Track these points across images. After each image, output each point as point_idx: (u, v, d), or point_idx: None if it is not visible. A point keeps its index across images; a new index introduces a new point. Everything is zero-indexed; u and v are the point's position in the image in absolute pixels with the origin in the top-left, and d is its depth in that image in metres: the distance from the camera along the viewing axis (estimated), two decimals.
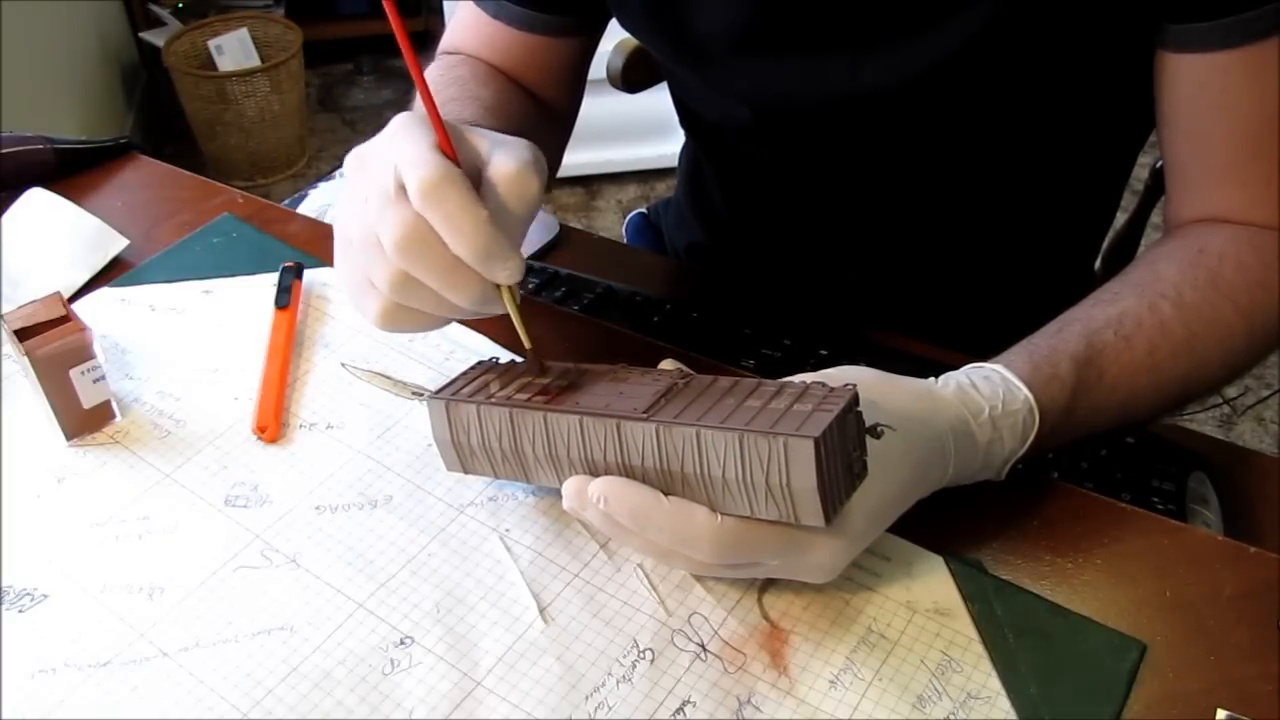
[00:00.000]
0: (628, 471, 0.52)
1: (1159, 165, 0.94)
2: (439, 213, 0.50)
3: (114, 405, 0.66)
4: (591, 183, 2.52)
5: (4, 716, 0.51)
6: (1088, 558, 0.57)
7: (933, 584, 0.56)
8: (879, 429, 0.50)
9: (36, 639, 0.54)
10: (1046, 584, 0.56)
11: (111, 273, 0.78)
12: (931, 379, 0.58)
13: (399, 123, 0.54)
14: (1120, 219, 1.00)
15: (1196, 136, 0.66)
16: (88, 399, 0.64)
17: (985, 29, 0.65)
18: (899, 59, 0.68)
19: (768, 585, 0.56)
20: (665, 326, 0.80)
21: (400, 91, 2.86)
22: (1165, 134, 0.69)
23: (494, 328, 0.71)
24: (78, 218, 0.80)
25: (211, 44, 2.47)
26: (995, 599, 0.55)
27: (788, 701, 0.51)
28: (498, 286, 0.53)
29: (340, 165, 0.58)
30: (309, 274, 0.76)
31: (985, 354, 0.60)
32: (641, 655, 0.53)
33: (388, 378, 0.69)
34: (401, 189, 0.51)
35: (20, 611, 0.56)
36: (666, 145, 2.32)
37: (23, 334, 0.62)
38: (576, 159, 2.38)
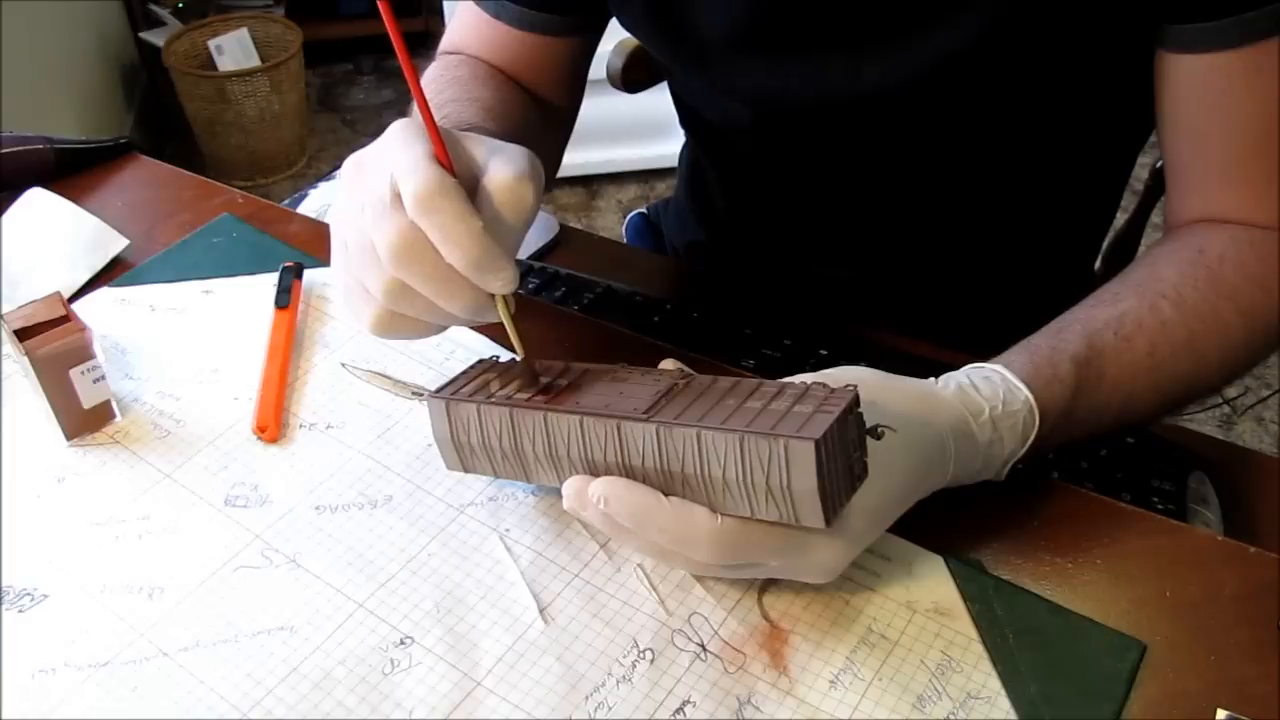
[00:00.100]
0: (628, 472, 0.52)
1: (1159, 165, 0.94)
2: (433, 222, 0.50)
3: (114, 405, 0.66)
4: (591, 183, 2.52)
5: (4, 716, 0.51)
6: (1088, 558, 0.57)
7: (933, 584, 0.56)
8: (879, 430, 0.50)
9: (36, 639, 0.54)
10: (1046, 584, 0.56)
11: (111, 273, 0.78)
12: (932, 379, 0.58)
13: (396, 130, 0.54)
14: (1120, 219, 1.00)
15: (1196, 136, 0.66)
16: (88, 399, 0.64)
17: (986, 29, 0.65)
18: (899, 59, 0.68)
19: (768, 585, 0.56)
20: (665, 326, 0.80)
21: (400, 91, 2.86)
22: (1165, 134, 0.69)
23: (494, 328, 0.70)
24: (78, 218, 0.80)
25: (211, 44, 2.47)
26: (995, 599, 0.55)
27: (788, 701, 0.51)
28: (492, 295, 0.53)
29: (340, 165, 0.58)
30: (309, 274, 0.76)
31: (985, 354, 0.60)
32: (641, 655, 0.53)
33: (388, 378, 0.69)
34: (397, 198, 0.51)
35: (20, 611, 0.56)
36: (666, 145, 2.32)
37: (23, 334, 0.62)
38: (576, 159, 2.38)
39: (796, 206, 0.86)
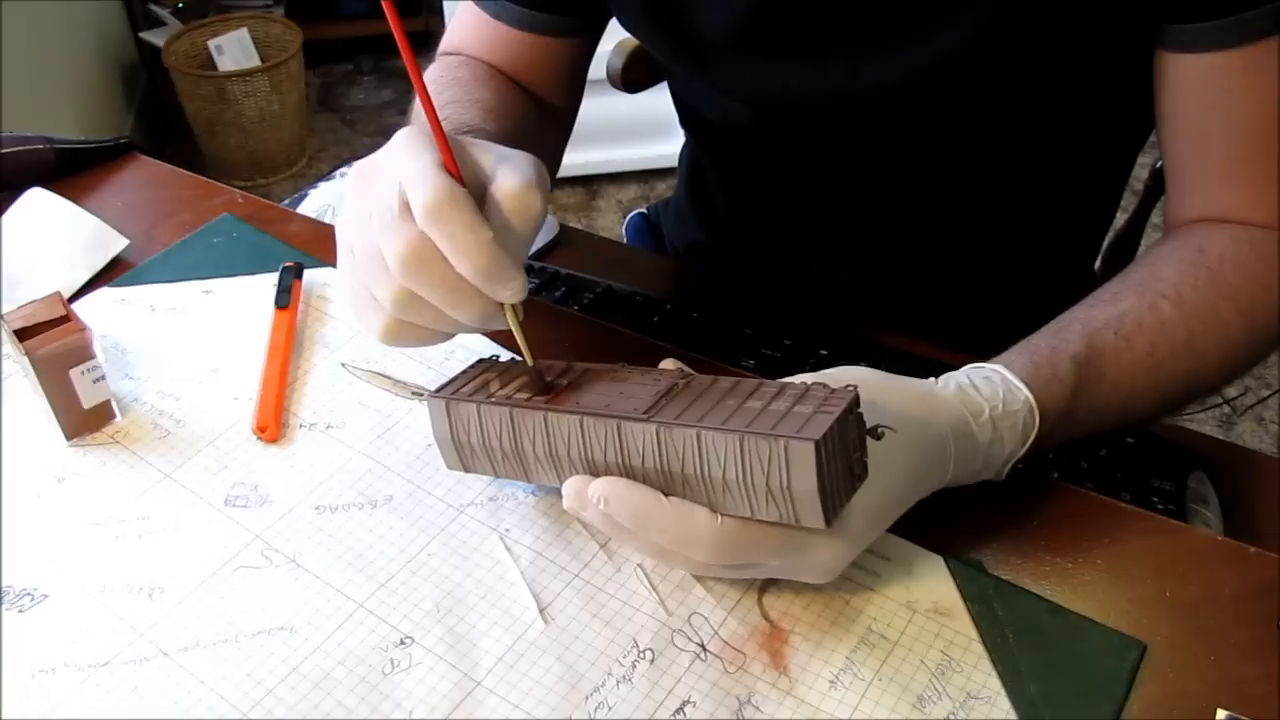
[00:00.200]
0: (628, 472, 0.52)
1: (1159, 165, 0.94)
2: (443, 232, 0.50)
3: (114, 405, 0.66)
4: (591, 183, 2.52)
5: (4, 716, 0.51)
6: (1088, 558, 0.57)
7: (933, 584, 0.56)
8: (879, 430, 0.50)
9: (36, 639, 0.54)
10: (1046, 584, 0.56)
11: (111, 273, 0.78)
12: (932, 379, 0.58)
13: (403, 138, 0.54)
14: (1120, 219, 1.00)
15: (1196, 136, 0.66)
16: (88, 399, 0.64)
17: (985, 29, 0.65)
18: (899, 59, 0.68)
19: (768, 585, 0.56)
20: (665, 326, 0.80)
21: (400, 91, 2.86)
22: (1165, 134, 0.69)
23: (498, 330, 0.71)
24: (78, 218, 0.80)
25: (211, 44, 2.47)
26: (995, 599, 0.55)
27: (788, 701, 0.51)
28: (501, 304, 0.53)
29: (340, 165, 0.59)
30: (309, 274, 0.76)
31: (985, 354, 0.60)
32: (641, 655, 0.53)
33: (388, 378, 0.69)
34: (406, 207, 0.51)
35: (20, 611, 0.56)
36: (666, 145, 2.32)
37: (23, 334, 0.62)
38: (576, 159, 2.38)
39: (797, 206, 0.86)
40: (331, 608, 0.56)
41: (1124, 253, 1.09)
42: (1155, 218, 0.94)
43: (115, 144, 0.91)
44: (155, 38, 2.54)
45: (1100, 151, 0.81)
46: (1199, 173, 0.68)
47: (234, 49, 2.48)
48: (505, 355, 0.69)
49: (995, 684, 0.51)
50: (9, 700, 0.52)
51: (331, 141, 2.70)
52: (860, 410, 0.49)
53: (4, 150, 0.84)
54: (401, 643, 0.54)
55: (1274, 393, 1.92)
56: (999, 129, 0.73)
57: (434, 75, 0.80)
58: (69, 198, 0.82)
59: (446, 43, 0.86)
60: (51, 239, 0.79)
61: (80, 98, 2.27)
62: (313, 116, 2.75)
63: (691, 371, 0.55)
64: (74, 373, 0.63)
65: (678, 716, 0.50)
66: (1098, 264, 1.01)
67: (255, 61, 2.49)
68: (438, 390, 0.58)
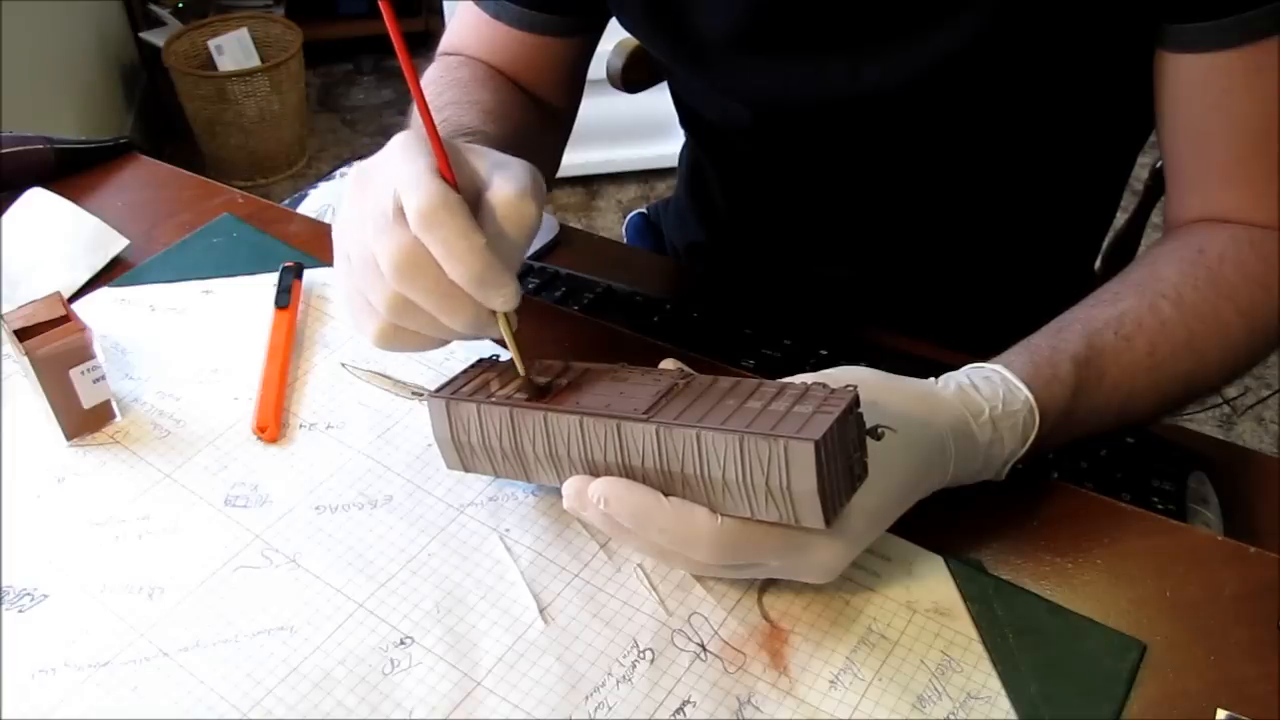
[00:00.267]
0: (628, 472, 0.52)
1: (1159, 165, 0.94)
2: (436, 238, 0.50)
3: (114, 405, 0.66)
4: (591, 183, 2.52)
5: (4, 716, 0.51)
6: (1088, 558, 0.57)
7: (933, 584, 0.56)
8: (879, 430, 0.50)
9: (36, 639, 0.54)
10: (1046, 584, 0.56)
11: (111, 273, 0.78)
12: (932, 379, 0.58)
13: (399, 143, 0.54)
14: (1120, 219, 1.00)
15: (1196, 136, 0.66)
16: (88, 399, 0.64)
17: (985, 29, 0.65)
18: (899, 59, 0.68)
19: (768, 585, 0.56)
20: (665, 326, 0.80)
21: (400, 91, 2.86)
22: (1165, 134, 0.69)
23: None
24: (78, 218, 0.80)
25: (211, 44, 2.47)
26: (995, 599, 0.55)
27: (788, 701, 0.51)
28: (494, 311, 0.53)
29: (340, 165, 0.59)
30: (309, 274, 0.76)
31: (985, 354, 0.60)
32: (641, 655, 0.53)
33: (388, 378, 0.69)
34: (400, 212, 0.51)
35: (20, 611, 0.56)
36: (666, 145, 2.32)
37: (23, 334, 0.62)
38: (576, 159, 2.38)
39: (797, 206, 0.86)
40: (331, 608, 0.56)
41: (1124, 253, 1.09)
42: (1155, 218, 0.94)
43: (115, 144, 0.91)
44: (155, 38, 2.54)
45: (1100, 151, 0.81)
46: (1199, 173, 0.68)
47: (234, 49, 2.48)
48: (505, 355, 0.69)
49: (995, 684, 0.51)
50: (9, 700, 0.52)
51: (331, 141, 2.70)
52: (860, 410, 0.49)
53: (4, 150, 0.84)
54: (401, 643, 0.54)
55: (1274, 393, 1.92)
56: (999, 129, 0.73)
57: (433, 76, 0.80)
58: (69, 198, 0.82)
59: (446, 43, 0.86)
60: (51, 239, 0.79)
61: (80, 98, 2.27)
62: (313, 116, 2.75)
63: (691, 371, 0.55)
64: (74, 373, 0.63)
65: (678, 716, 0.50)
66: (1098, 264, 1.01)
67: (255, 61, 2.49)
68: (438, 390, 0.58)
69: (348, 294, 0.57)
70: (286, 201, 1.06)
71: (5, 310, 0.65)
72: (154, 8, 2.63)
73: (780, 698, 0.51)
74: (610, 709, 0.51)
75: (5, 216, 0.80)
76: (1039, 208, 0.82)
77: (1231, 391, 1.90)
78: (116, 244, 0.79)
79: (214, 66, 2.46)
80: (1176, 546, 0.58)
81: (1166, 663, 0.52)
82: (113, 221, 0.80)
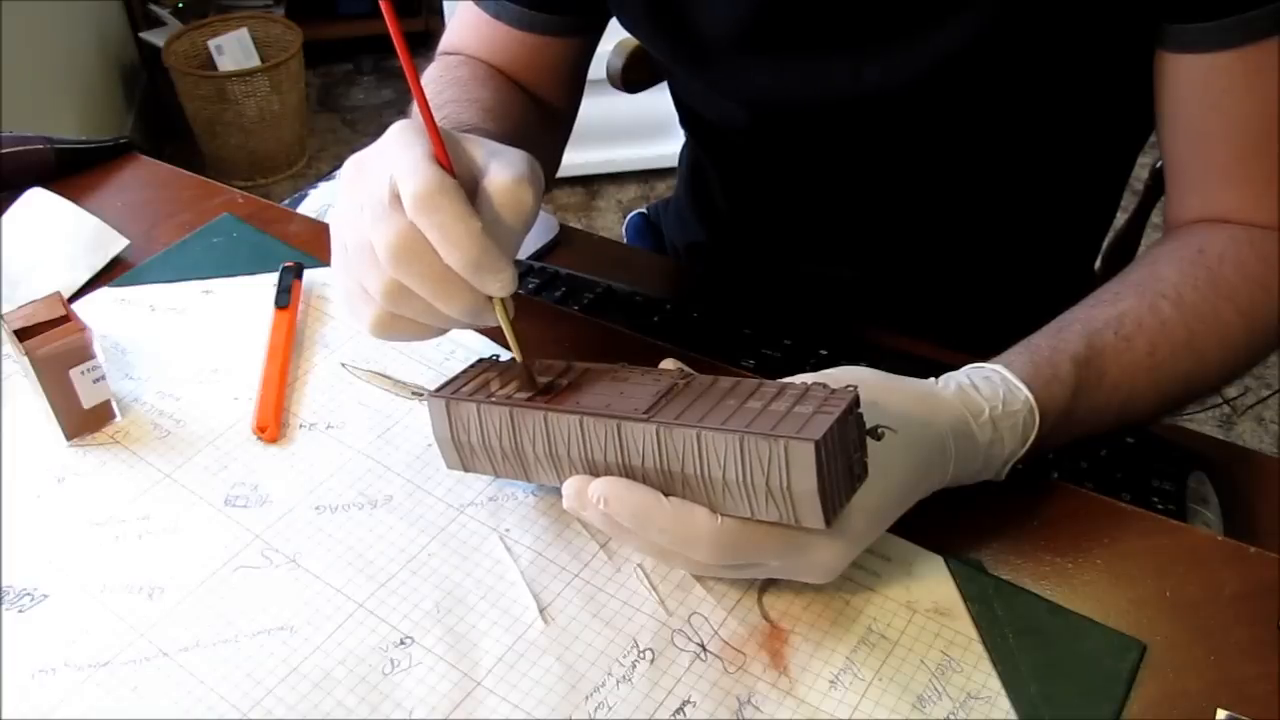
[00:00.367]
0: (628, 472, 0.52)
1: (1159, 165, 0.94)
2: (432, 222, 0.50)
3: (114, 405, 0.66)
4: (591, 183, 2.52)
5: (4, 716, 0.51)
6: (1088, 558, 0.57)
7: (933, 584, 0.56)
8: (880, 430, 0.50)
9: (36, 639, 0.54)
10: (1046, 584, 0.56)
11: (111, 273, 0.78)
12: (932, 379, 0.58)
13: (396, 131, 0.54)
14: (1120, 219, 1.00)
15: (1196, 136, 0.66)
16: (88, 399, 0.64)
17: (986, 29, 0.65)
18: (901, 59, 0.68)
19: (768, 585, 0.56)
20: (665, 326, 0.80)
21: (400, 91, 2.86)
22: (1165, 134, 0.69)
23: (494, 328, 0.71)
24: (78, 218, 0.80)
25: (211, 44, 2.47)
26: (995, 599, 0.55)
27: (788, 701, 0.51)
28: (490, 298, 0.53)
29: (340, 165, 0.58)
30: (309, 274, 0.76)
31: (985, 354, 0.60)
32: (641, 655, 0.53)
33: (388, 378, 0.69)
34: (396, 198, 0.51)
35: (20, 611, 0.56)
36: (666, 145, 2.32)
37: (23, 334, 0.62)
38: (576, 159, 2.38)
39: (797, 206, 0.86)
40: (331, 608, 0.56)
41: (1124, 253, 1.09)
42: (1155, 218, 0.94)
43: (115, 144, 0.91)
44: (155, 38, 2.54)
45: (1100, 152, 0.81)
46: (1199, 173, 0.68)
47: (234, 49, 2.48)
48: (505, 355, 0.69)
49: (995, 684, 0.51)
50: (9, 700, 0.52)
51: (331, 141, 2.70)
52: (860, 410, 0.49)
53: (4, 150, 0.84)
54: (401, 643, 0.54)
55: (1274, 393, 1.92)
56: (1000, 129, 0.73)
57: (433, 75, 0.80)
58: (69, 198, 0.82)
59: (446, 42, 0.86)
60: (51, 239, 0.79)
61: (80, 98, 2.27)
62: (313, 116, 2.75)
63: (692, 371, 0.55)
64: (74, 373, 0.63)
65: (678, 716, 0.50)
66: (1098, 264, 1.01)
67: (255, 61, 2.49)
68: (438, 390, 0.58)
69: (345, 284, 0.56)
70: (286, 201, 1.06)
71: (5, 310, 0.65)
72: (154, 8, 2.63)
73: (780, 698, 0.51)
74: (610, 709, 0.51)
75: (5, 216, 0.80)
76: (1039, 207, 0.82)
77: (1231, 391, 1.90)
78: (116, 244, 0.79)
79: (214, 66, 2.46)
80: (1176, 546, 0.58)
81: (1166, 663, 0.52)
82: (113, 221, 0.80)
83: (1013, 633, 0.53)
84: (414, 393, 0.68)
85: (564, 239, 0.97)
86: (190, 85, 2.42)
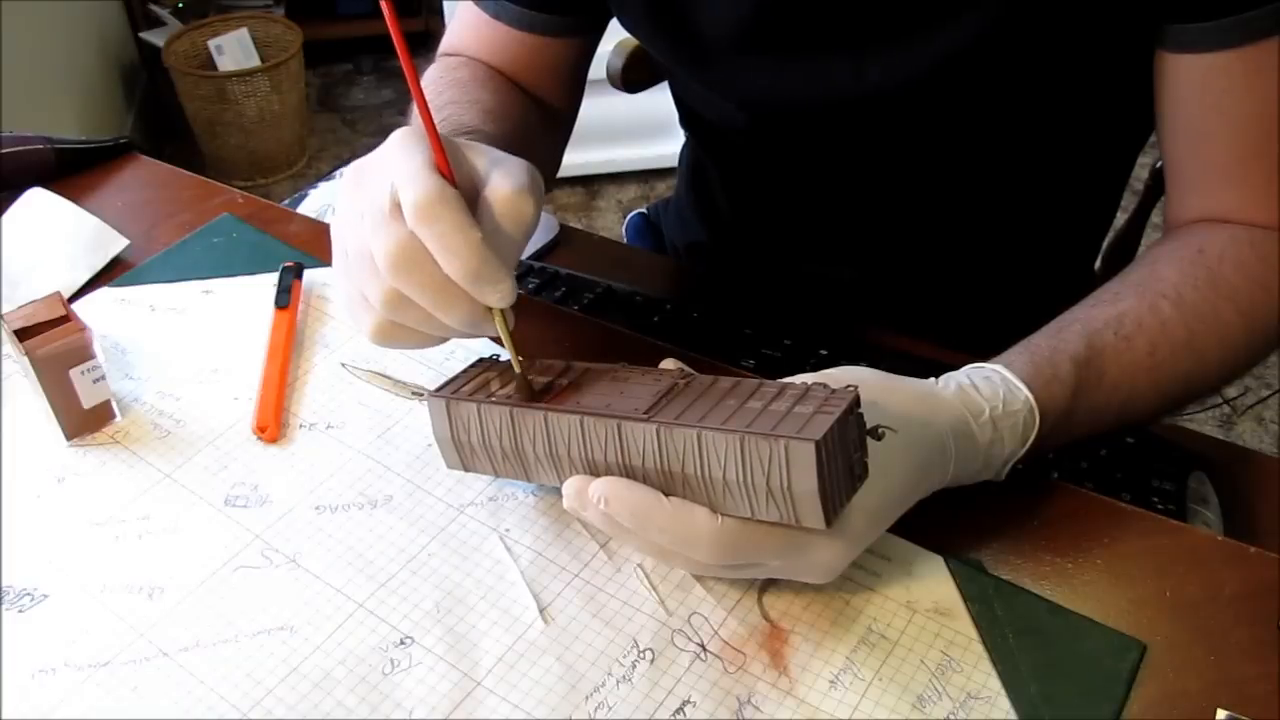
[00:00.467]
0: (628, 471, 0.52)
1: (1159, 165, 0.94)
2: (432, 232, 0.50)
3: (114, 405, 0.66)
4: (591, 183, 2.52)
5: (4, 716, 0.51)
6: (1088, 558, 0.57)
7: (933, 584, 0.56)
8: (880, 431, 0.50)
9: (36, 639, 0.54)
10: (1046, 584, 0.56)
11: (111, 273, 0.78)
12: (932, 379, 0.58)
13: (397, 138, 0.54)
14: (1120, 219, 1.00)
15: (1196, 136, 0.66)
16: (88, 399, 0.64)
17: (987, 30, 0.65)
18: (901, 60, 0.68)
19: (768, 585, 0.56)
20: (665, 326, 0.80)
21: (400, 91, 2.85)
22: (1165, 134, 0.69)
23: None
24: (78, 218, 0.80)
25: (211, 44, 2.47)
26: (995, 599, 0.55)
27: (788, 701, 0.51)
28: (489, 309, 0.53)
29: (340, 165, 0.59)
30: (309, 274, 0.76)
31: (985, 354, 0.60)
32: (641, 655, 0.53)
33: (388, 378, 0.69)
34: (396, 207, 0.51)
35: (20, 611, 0.56)
36: (666, 145, 2.32)
37: (23, 334, 0.62)
38: (576, 159, 2.38)
39: (798, 206, 0.86)
40: (331, 608, 0.56)
41: (1124, 253, 1.09)
42: (1155, 218, 0.94)
43: (115, 144, 0.91)
44: (155, 38, 2.54)
45: (1100, 151, 0.81)
46: (1199, 173, 0.68)
47: (234, 49, 2.48)
48: (505, 355, 0.69)
49: (995, 684, 0.51)
50: (9, 700, 0.52)
51: (331, 141, 2.70)
52: (860, 410, 0.49)
53: (4, 150, 0.84)
54: (401, 643, 0.54)
55: (1274, 393, 1.92)
56: (1001, 129, 0.73)
57: (433, 76, 0.80)
58: (69, 198, 0.82)
59: (446, 43, 0.86)
60: (51, 239, 0.79)
61: (80, 98, 2.27)
62: (313, 116, 2.75)
63: (692, 371, 0.55)
64: (74, 373, 0.63)
65: (678, 716, 0.50)
66: (1098, 264, 1.01)
67: (255, 61, 2.49)
68: (438, 390, 0.58)
69: (346, 291, 0.57)
70: (286, 201, 1.06)
71: (5, 310, 0.65)
72: (154, 8, 2.63)
73: (780, 698, 0.51)
74: (610, 709, 0.51)
75: (5, 216, 0.80)
76: (1039, 207, 0.82)
77: (1231, 391, 1.90)
78: (116, 244, 0.79)
79: (214, 66, 2.46)
80: (1176, 546, 0.58)
81: (1166, 663, 0.52)
82: (113, 221, 0.80)
83: (1013, 633, 0.53)
84: (414, 393, 0.68)
85: (564, 239, 0.97)
86: (190, 85, 2.42)
